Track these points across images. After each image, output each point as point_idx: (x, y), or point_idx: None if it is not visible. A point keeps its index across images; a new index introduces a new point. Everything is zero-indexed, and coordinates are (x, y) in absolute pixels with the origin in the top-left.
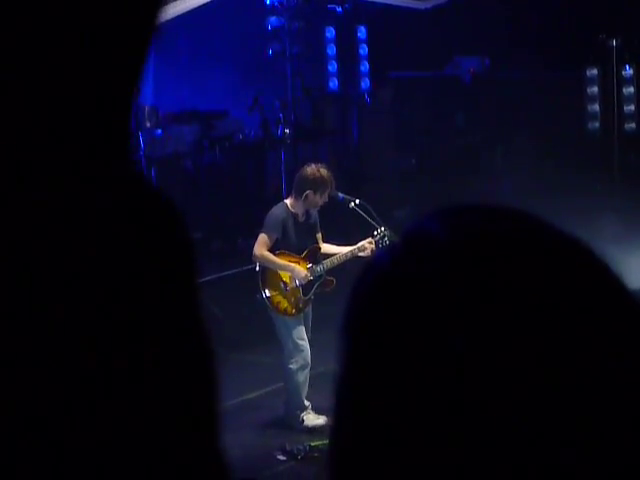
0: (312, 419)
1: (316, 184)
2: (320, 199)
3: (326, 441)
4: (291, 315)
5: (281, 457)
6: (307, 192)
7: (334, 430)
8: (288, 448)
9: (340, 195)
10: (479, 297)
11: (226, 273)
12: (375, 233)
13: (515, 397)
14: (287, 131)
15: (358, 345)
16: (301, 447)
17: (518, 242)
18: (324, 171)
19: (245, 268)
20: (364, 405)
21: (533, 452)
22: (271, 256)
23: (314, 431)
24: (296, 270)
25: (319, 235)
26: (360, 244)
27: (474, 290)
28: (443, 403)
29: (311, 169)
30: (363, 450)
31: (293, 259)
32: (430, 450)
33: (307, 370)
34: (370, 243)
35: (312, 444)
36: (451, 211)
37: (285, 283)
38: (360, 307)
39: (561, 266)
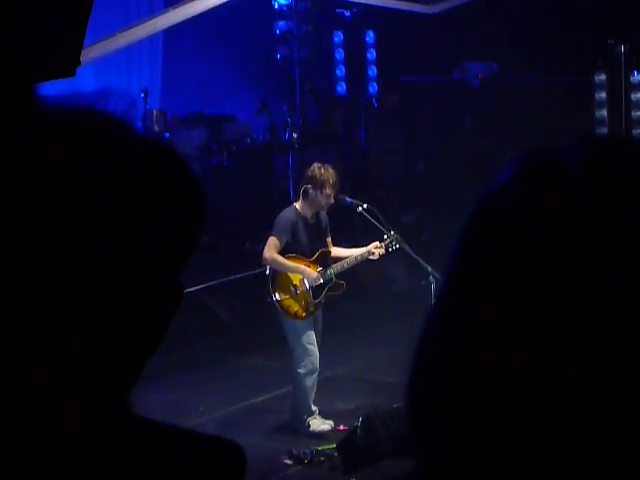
0: (318, 424)
1: (314, 181)
2: (322, 198)
3: (333, 445)
4: (301, 319)
5: (287, 461)
6: (305, 187)
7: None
8: (295, 452)
9: (348, 199)
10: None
11: (234, 277)
12: (385, 237)
13: None
14: (295, 135)
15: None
16: (307, 451)
17: None
18: (326, 170)
19: (253, 272)
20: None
21: None
22: (281, 258)
23: (320, 436)
24: (307, 272)
25: (329, 239)
26: (370, 247)
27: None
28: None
29: (313, 166)
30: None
31: (303, 262)
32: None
33: (315, 375)
34: (379, 247)
35: (319, 448)
36: (584, 141)
37: (295, 286)
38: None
39: None
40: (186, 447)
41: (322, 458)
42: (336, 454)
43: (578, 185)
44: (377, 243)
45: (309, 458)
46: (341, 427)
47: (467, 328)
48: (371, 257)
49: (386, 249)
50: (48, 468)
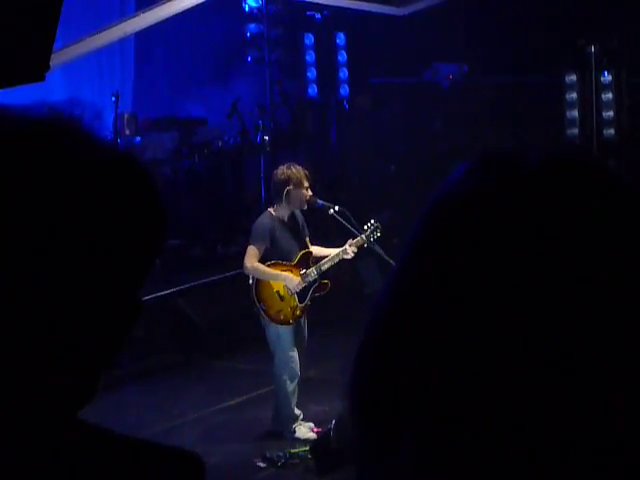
0: (304, 432)
1: (292, 180)
2: (302, 194)
3: (306, 448)
4: (288, 324)
5: (261, 464)
6: (287, 188)
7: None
8: (268, 455)
9: (319, 202)
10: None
11: (206, 280)
12: (365, 227)
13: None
14: (266, 138)
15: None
16: (281, 454)
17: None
18: (294, 167)
19: (225, 275)
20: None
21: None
22: (262, 267)
23: (298, 439)
24: (288, 279)
25: (307, 238)
26: (345, 246)
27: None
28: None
29: (280, 170)
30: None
31: (285, 268)
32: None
33: (296, 380)
34: (353, 244)
35: (292, 451)
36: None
37: (279, 293)
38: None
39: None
40: (144, 459)
41: (296, 461)
42: (310, 456)
43: (531, 180)
44: (351, 241)
45: (282, 461)
46: (315, 429)
47: (418, 314)
48: (345, 256)
49: (368, 239)
50: None
